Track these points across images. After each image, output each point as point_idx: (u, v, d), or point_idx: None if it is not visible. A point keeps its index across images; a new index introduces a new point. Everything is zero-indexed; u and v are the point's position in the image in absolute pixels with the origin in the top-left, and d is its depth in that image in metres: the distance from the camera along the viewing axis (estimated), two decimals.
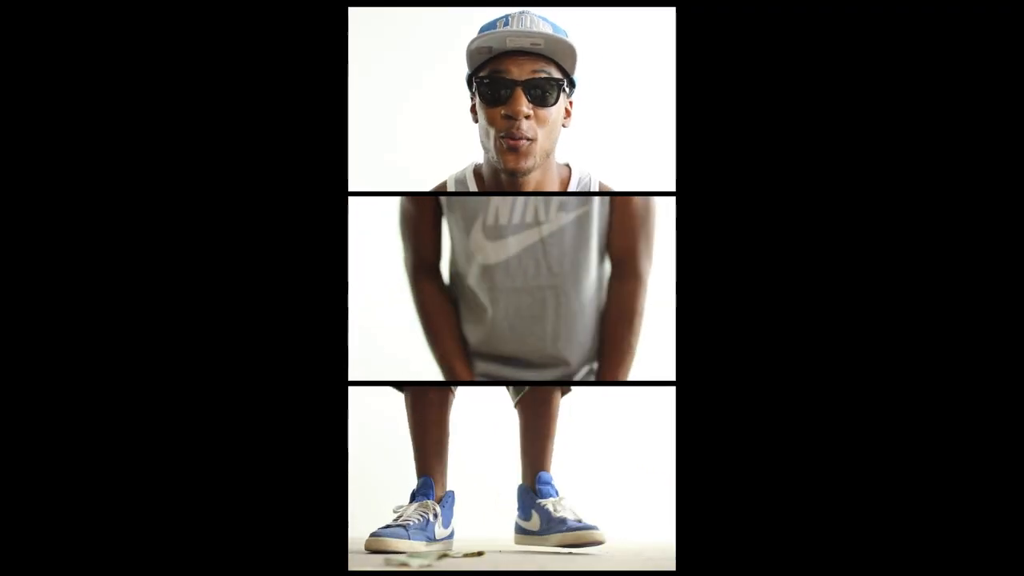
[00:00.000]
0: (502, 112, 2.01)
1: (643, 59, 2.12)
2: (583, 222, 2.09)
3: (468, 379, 2.16)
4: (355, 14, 2.02)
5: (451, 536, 2.18)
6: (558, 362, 2.15)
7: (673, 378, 2.02)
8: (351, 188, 2.02)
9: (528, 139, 2.02)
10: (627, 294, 2.12)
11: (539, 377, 2.15)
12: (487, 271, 2.11)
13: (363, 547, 2.05)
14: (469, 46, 2.02)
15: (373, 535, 2.06)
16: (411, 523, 2.10)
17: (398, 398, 2.20)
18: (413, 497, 2.16)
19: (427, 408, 2.16)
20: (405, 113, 2.15)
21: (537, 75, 2.01)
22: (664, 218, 2.07)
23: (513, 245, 2.09)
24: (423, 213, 2.14)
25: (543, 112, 2.02)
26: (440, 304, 2.17)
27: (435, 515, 2.13)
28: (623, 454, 2.34)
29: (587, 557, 2.06)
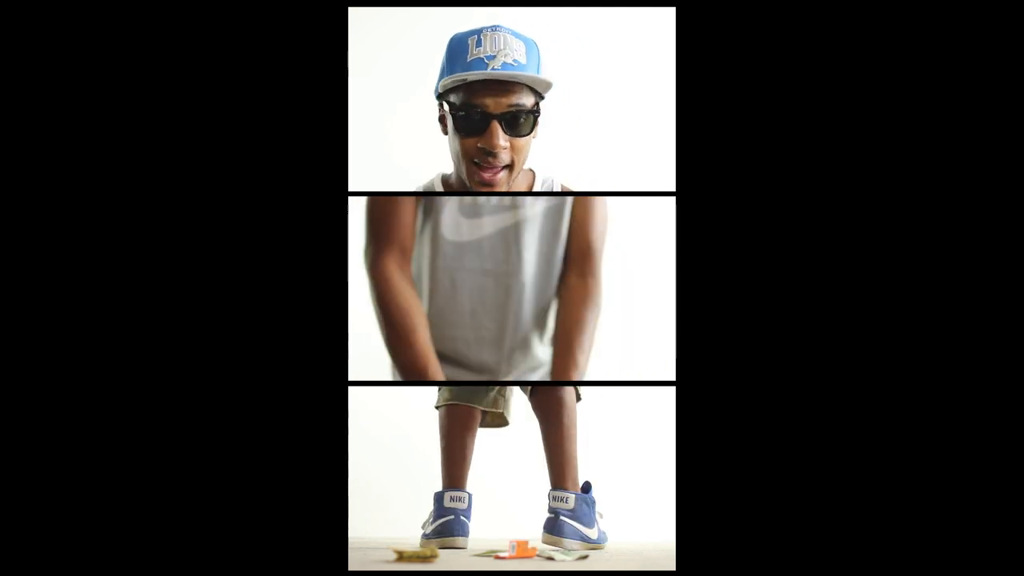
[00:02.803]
0: (478, 144, 2.02)
1: (643, 59, 2.13)
2: (554, 215, 2.11)
3: (442, 380, 2.11)
4: (355, 14, 2.02)
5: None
6: (488, 366, 2.14)
7: (673, 378, 2.02)
8: (351, 188, 2.02)
9: (504, 167, 2.03)
10: (590, 287, 2.13)
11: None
12: (457, 250, 2.10)
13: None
14: (442, 81, 2.02)
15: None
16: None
17: (398, 398, 2.20)
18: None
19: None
20: (405, 113, 2.15)
21: (512, 108, 2.01)
22: (664, 218, 2.07)
23: (488, 225, 2.09)
24: (406, 200, 2.13)
25: (518, 141, 2.03)
26: (413, 297, 2.10)
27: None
28: (623, 454, 2.34)
29: (587, 558, 2.06)
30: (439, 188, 2.12)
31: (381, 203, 2.09)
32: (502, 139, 2.01)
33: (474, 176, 2.04)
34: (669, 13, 2.02)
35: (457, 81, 2.01)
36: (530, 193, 2.11)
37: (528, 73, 2.01)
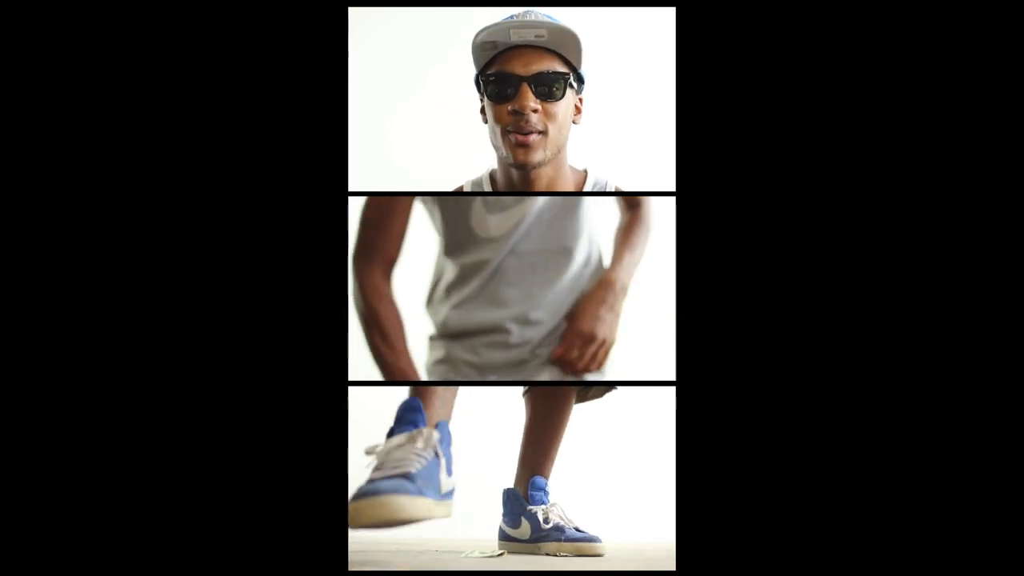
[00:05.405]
0: (509, 108, 2.02)
1: (643, 59, 2.13)
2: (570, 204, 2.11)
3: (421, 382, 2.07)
4: (355, 14, 2.02)
5: (451, 494, 1.87)
6: (535, 321, 2.10)
7: (673, 378, 2.02)
8: (351, 188, 2.02)
9: (538, 132, 2.02)
10: (638, 215, 2.15)
11: (502, 348, 2.11)
12: (491, 243, 2.10)
13: (351, 522, 1.69)
14: (474, 41, 2.03)
15: (365, 495, 1.73)
16: (414, 470, 1.70)
17: (398, 398, 2.20)
18: (392, 431, 1.91)
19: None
20: (405, 113, 2.15)
21: (543, 70, 2.02)
22: (664, 218, 2.07)
23: (515, 214, 2.09)
24: (396, 210, 2.11)
25: (550, 106, 2.03)
26: (395, 310, 2.11)
27: (436, 454, 1.80)
28: (623, 454, 2.34)
29: (586, 557, 2.06)
30: (487, 182, 2.12)
31: (373, 209, 2.09)
32: (532, 101, 2.01)
33: (510, 142, 2.04)
34: (669, 13, 2.02)
35: (487, 46, 2.02)
36: (551, 193, 2.09)
37: (551, 21, 2.01)
